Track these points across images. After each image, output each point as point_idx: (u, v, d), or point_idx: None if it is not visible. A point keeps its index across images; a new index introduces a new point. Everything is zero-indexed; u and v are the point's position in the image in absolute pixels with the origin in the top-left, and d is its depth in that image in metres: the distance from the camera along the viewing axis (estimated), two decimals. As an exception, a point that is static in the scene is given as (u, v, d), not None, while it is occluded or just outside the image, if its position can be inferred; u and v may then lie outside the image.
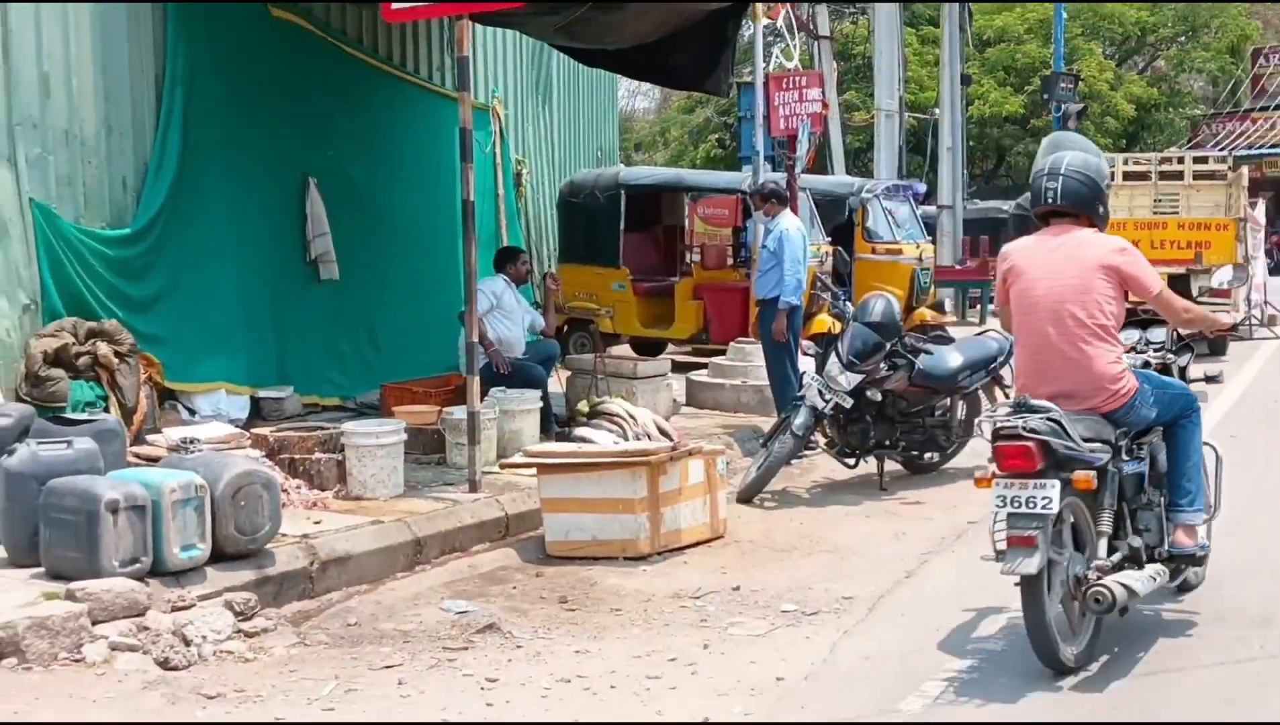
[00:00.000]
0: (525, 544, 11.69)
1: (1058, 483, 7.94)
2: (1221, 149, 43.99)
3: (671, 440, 13.54)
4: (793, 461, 14.01)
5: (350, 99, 16.57)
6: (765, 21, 19.82)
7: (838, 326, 13.99)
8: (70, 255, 12.87)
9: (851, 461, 14.16)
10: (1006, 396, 14.79)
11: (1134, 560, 8.59)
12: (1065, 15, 36.76)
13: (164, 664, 8.26)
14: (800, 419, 13.60)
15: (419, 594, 10.27)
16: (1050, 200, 9.01)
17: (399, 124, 17.40)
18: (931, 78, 41.33)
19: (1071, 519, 8.26)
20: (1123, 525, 8.66)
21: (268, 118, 15.23)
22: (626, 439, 13.94)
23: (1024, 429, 7.98)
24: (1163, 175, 25.56)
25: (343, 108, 16.45)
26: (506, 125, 20.42)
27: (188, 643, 8.54)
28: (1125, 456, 8.64)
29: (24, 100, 12.59)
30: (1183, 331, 9.91)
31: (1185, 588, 9.24)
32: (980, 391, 14.62)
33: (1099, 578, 8.09)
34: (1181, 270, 24.46)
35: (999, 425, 8.18)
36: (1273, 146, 54.12)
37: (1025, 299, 8.94)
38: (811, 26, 35.18)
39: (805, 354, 15.80)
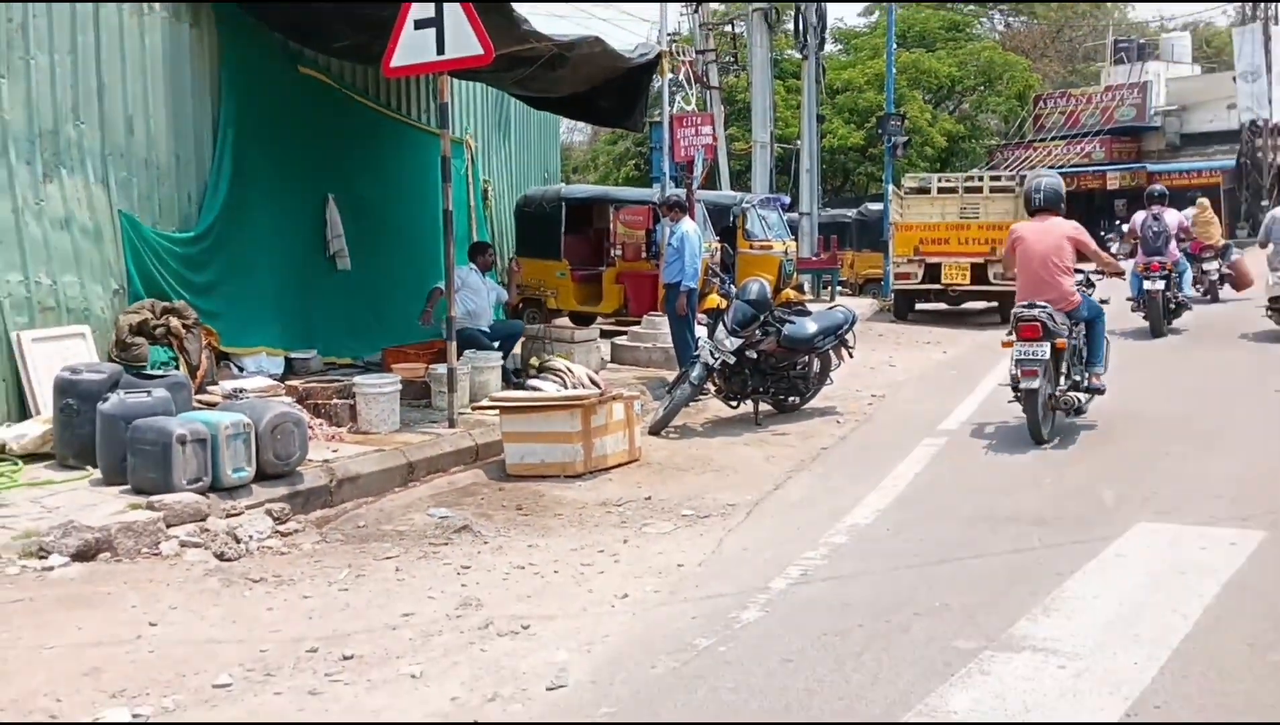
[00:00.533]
0: (490, 466, 11.71)
1: (1048, 344, 11.87)
2: (1011, 170, 44.18)
3: (600, 388, 13.57)
4: (690, 404, 14.02)
5: (359, 134, 16.49)
6: (670, 75, 19.77)
7: (724, 303, 14.00)
8: (149, 252, 12.84)
9: (734, 404, 14.21)
10: (851, 356, 15.07)
11: (1074, 389, 12.43)
12: (895, 71, 36.72)
13: (220, 556, 8.29)
14: (696, 372, 13.68)
15: (411, 503, 10.31)
16: (1039, 204, 12.93)
17: (396, 153, 17.32)
18: (794, 117, 41.24)
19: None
20: (1069, 371, 12.39)
21: (296, 149, 15.16)
22: (566, 388, 13.97)
23: (1036, 316, 11.89)
24: (967, 189, 25.60)
25: (353, 141, 16.35)
26: (476, 154, 20.35)
27: (238, 540, 8.57)
28: (1071, 335, 12.32)
29: (114, 136, 12.55)
30: (1095, 272, 13.48)
31: (1079, 412, 12.57)
32: (830, 351, 14.69)
33: (1063, 395, 12.22)
34: (981, 260, 24.61)
35: (1020, 314, 12.09)
36: (1048, 168, 54.28)
37: (1027, 254, 12.69)
38: (704, 79, 35.09)
39: (700, 324, 15.85)
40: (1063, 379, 12.27)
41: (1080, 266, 12.99)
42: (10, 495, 9.33)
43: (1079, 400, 12.40)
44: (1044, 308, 12.00)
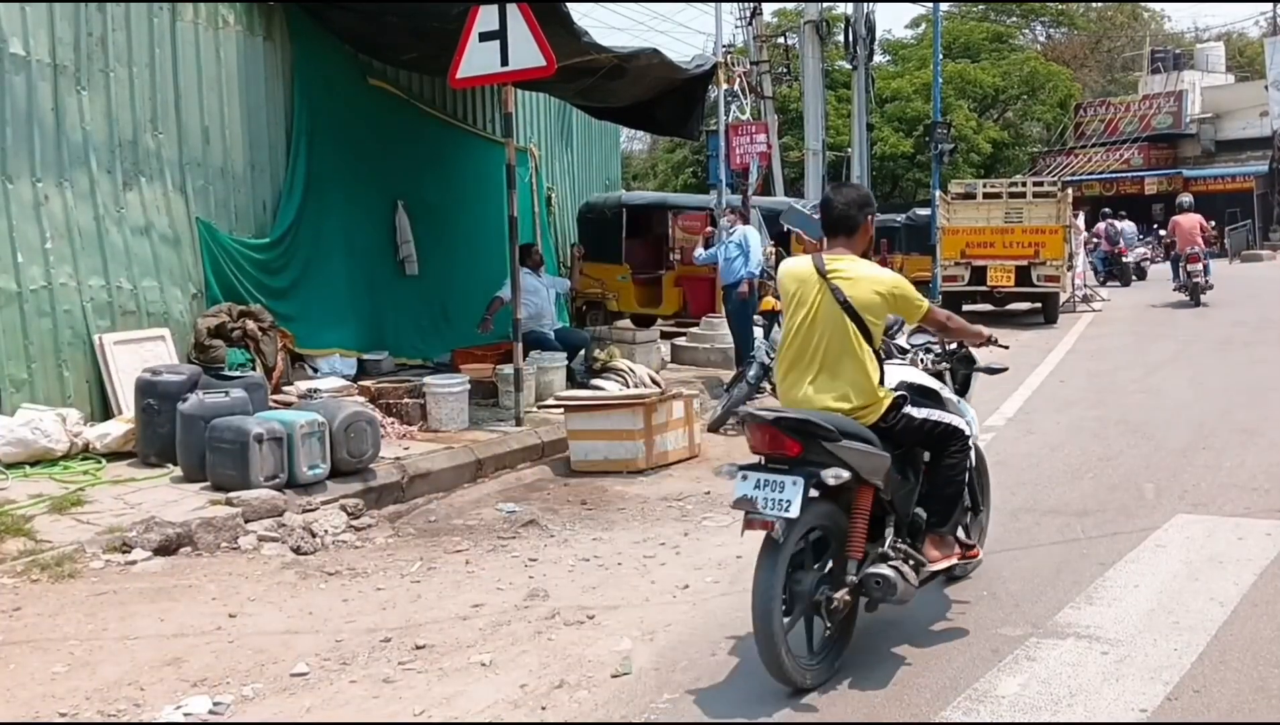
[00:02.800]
0: (556, 463, 11.73)
1: (1201, 265, 25.99)
2: (1053, 176, 44.00)
3: (660, 387, 13.53)
4: (748, 401, 13.99)
5: (427, 143, 16.53)
6: (725, 86, 19.76)
7: (779, 305, 13.96)
8: (225, 258, 12.93)
9: (789, 401, 14.12)
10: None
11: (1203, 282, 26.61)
12: (941, 81, 36.58)
13: (297, 550, 8.31)
14: (753, 371, 13.65)
15: (480, 499, 10.33)
16: (1185, 209, 27.22)
17: (462, 162, 17.35)
18: (845, 126, 41.11)
19: None
20: (1203, 277, 26.23)
21: (366, 158, 15.21)
22: (628, 387, 13.97)
23: (1196, 252, 25.70)
24: (1011, 195, 25.56)
25: (421, 150, 16.40)
26: (540, 162, 20.37)
27: (314, 535, 8.57)
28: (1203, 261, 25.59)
29: (191, 147, 12.63)
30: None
31: (1204, 293, 25.81)
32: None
33: (1202, 286, 26.43)
34: (1025, 262, 24.60)
35: (1187, 252, 26.01)
36: (1088, 174, 54.16)
37: (1181, 230, 26.50)
38: (758, 90, 35.04)
39: (757, 325, 15.83)
40: (1202, 279, 25.68)
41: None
42: (95, 492, 9.35)
43: (1205, 289, 25.95)
44: (1198, 250, 25.55)
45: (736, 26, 39.60)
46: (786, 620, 5.65)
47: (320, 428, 9.59)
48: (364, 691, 5.76)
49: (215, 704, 5.58)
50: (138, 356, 11.41)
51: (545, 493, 10.61)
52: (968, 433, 6.49)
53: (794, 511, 5.58)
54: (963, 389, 7.38)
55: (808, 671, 5.68)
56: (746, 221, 16.95)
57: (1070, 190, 27.28)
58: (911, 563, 6.13)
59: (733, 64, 24.49)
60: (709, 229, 18.83)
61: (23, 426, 10.03)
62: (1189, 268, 26.67)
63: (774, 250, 21.31)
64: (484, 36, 11.98)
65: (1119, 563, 7.56)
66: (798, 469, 5.70)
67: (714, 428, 13.31)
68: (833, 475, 5.65)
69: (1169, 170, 54.39)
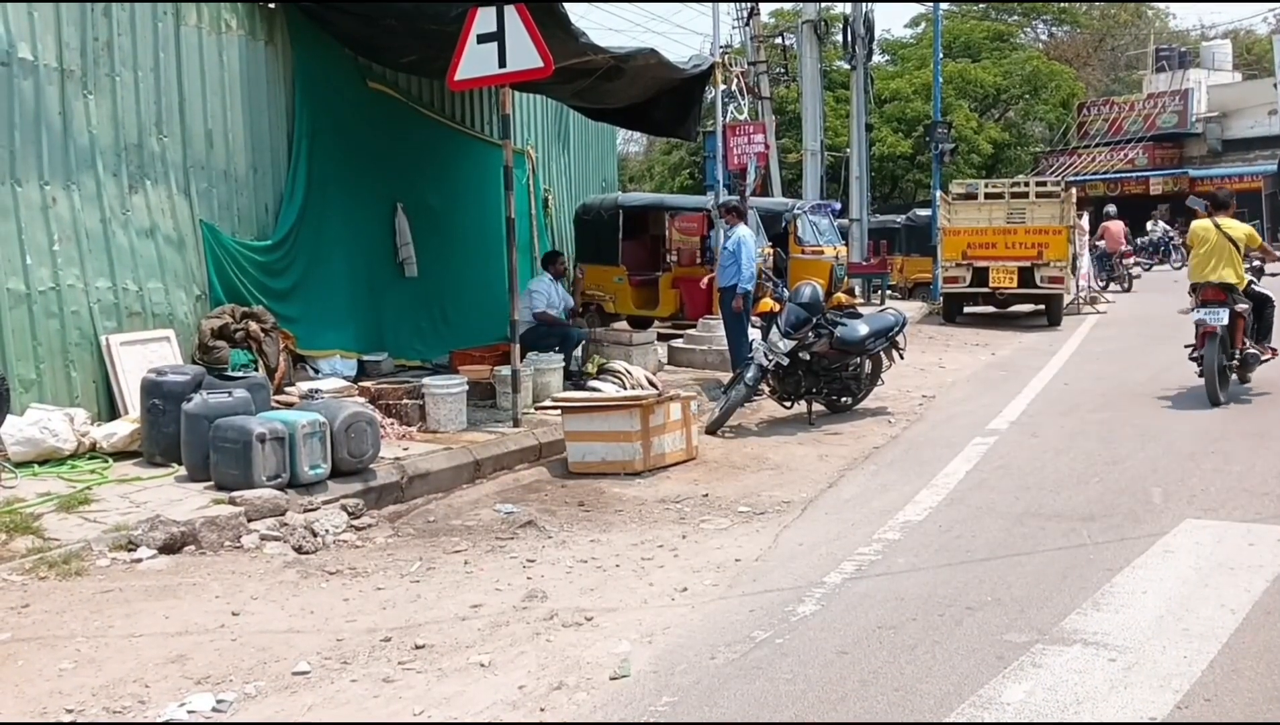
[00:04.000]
0: (553, 464, 11.80)
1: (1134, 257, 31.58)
2: (1056, 176, 43.97)
3: (658, 389, 13.60)
4: (745, 404, 14.05)
5: (426, 146, 16.60)
6: (722, 86, 19.83)
7: (777, 307, 14.01)
8: (229, 260, 13.05)
9: (788, 404, 14.25)
10: (901, 357, 15.00)
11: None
12: (942, 80, 36.59)
13: (298, 549, 8.40)
14: (751, 373, 13.71)
15: (478, 499, 10.40)
16: (1114, 216, 31.12)
17: (461, 164, 17.40)
18: (844, 127, 40.99)
19: None
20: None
21: (366, 160, 15.31)
22: (625, 388, 14.02)
23: (1120, 251, 31.30)
24: (1013, 195, 25.51)
25: (420, 152, 16.47)
26: (537, 164, 20.40)
27: (315, 534, 8.67)
28: None
29: (195, 150, 12.76)
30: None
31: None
32: (881, 353, 14.67)
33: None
34: (1028, 263, 24.57)
35: (1122, 248, 32.66)
36: (1092, 174, 54.07)
37: (1109, 233, 31.60)
38: (756, 90, 35.04)
39: (754, 326, 15.88)
40: (1136, 271, 29.43)
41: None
42: (101, 491, 9.48)
43: (1135, 278, 28.95)
44: (1128, 247, 29.57)
45: (734, 27, 39.58)
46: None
47: (321, 428, 9.70)
48: (364, 690, 5.83)
49: (219, 701, 5.65)
50: (143, 357, 11.55)
51: (543, 494, 10.65)
52: (1275, 298, 14.58)
53: (1226, 321, 13.53)
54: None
55: (1220, 395, 13.50)
56: (744, 219, 16.97)
57: (1074, 190, 27.20)
58: (1257, 350, 14.24)
59: (730, 64, 24.56)
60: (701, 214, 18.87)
61: (31, 426, 10.20)
62: (1125, 262, 34.65)
63: (771, 250, 21.40)
64: (482, 38, 12.09)
65: (1126, 568, 7.48)
66: (1223, 305, 13.60)
67: (712, 430, 13.35)
68: (1241, 307, 13.87)
69: (1175, 170, 54.14)
